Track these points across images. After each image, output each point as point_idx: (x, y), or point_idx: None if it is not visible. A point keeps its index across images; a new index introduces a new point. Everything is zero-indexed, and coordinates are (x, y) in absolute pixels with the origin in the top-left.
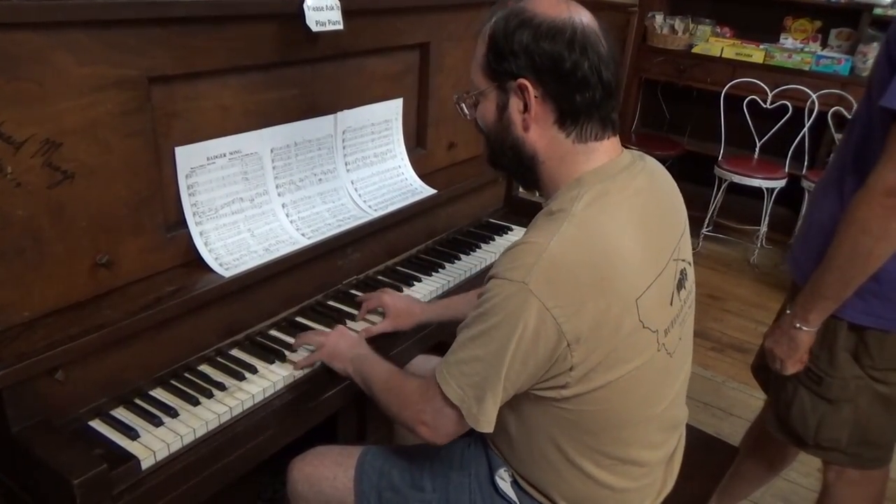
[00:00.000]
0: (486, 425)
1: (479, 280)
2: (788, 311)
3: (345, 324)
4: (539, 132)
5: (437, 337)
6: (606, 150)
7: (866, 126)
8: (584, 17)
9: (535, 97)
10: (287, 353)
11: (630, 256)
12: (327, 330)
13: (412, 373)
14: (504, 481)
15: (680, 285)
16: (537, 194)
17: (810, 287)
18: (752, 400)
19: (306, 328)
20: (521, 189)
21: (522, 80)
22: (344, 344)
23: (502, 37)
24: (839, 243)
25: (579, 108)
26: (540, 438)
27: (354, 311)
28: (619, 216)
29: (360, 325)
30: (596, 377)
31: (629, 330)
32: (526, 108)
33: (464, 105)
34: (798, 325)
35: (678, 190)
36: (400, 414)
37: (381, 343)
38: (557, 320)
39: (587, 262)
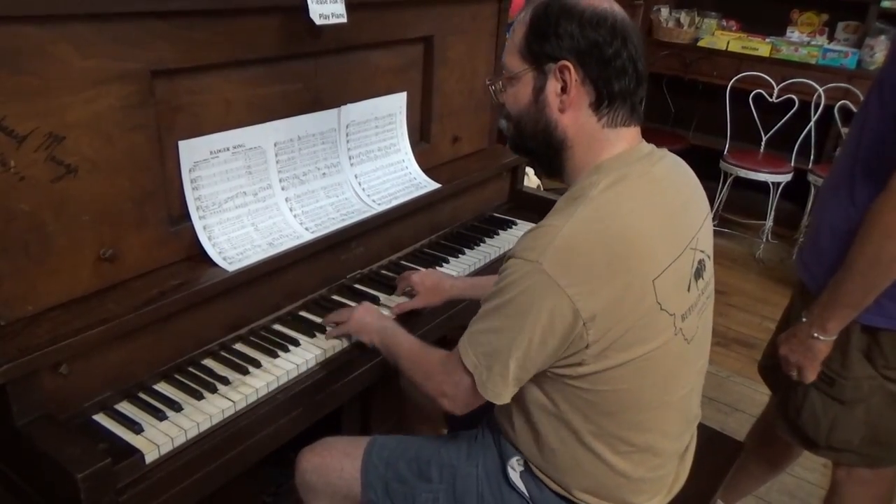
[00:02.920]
0: (494, 395)
1: (484, 274)
2: (805, 320)
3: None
4: (573, 115)
5: (441, 332)
6: (628, 139)
7: (878, 127)
8: (621, 11)
9: (576, 80)
10: (291, 346)
11: (646, 238)
12: (353, 304)
13: (435, 347)
14: (515, 471)
15: (698, 275)
16: (541, 187)
17: (828, 295)
18: (758, 395)
19: (310, 323)
20: (524, 183)
21: (565, 62)
22: (370, 317)
23: (545, 20)
24: (861, 249)
25: (615, 94)
26: (557, 420)
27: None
28: (636, 199)
29: (392, 302)
30: (612, 355)
31: (646, 310)
32: (564, 90)
33: (493, 88)
34: (816, 334)
35: (700, 186)
36: (424, 385)
37: (412, 322)
38: (572, 299)
39: (603, 242)
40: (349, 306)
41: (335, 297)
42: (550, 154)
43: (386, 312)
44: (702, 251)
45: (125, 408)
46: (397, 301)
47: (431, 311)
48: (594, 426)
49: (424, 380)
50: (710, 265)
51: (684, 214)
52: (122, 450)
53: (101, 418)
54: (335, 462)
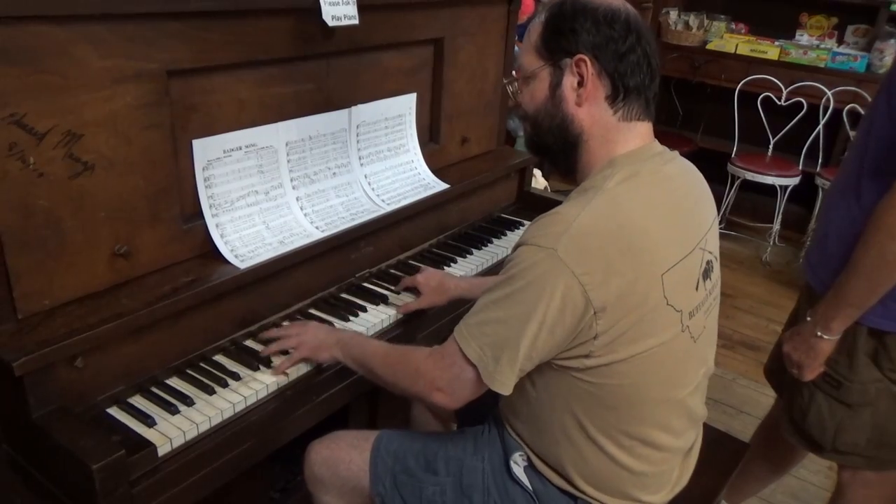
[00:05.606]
0: (501, 385)
1: (491, 274)
2: (809, 319)
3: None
4: (589, 109)
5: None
6: (642, 134)
7: (886, 130)
8: (633, 9)
9: (592, 73)
10: None
11: (657, 233)
12: (293, 328)
13: (408, 345)
14: (518, 466)
15: (706, 275)
16: (548, 189)
17: (833, 295)
18: (763, 397)
19: (319, 321)
20: (532, 184)
21: (581, 56)
22: (323, 333)
23: (560, 18)
24: (865, 250)
25: (630, 87)
26: (562, 413)
27: (367, 304)
28: (648, 195)
29: (398, 301)
30: (620, 348)
31: (654, 304)
32: (581, 84)
33: (511, 89)
34: (819, 333)
35: (708, 189)
36: (412, 386)
37: (416, 323)
38: (585, 287)
39: (615, 234)
40: (289, 327)
41: (344, 296)
42: (567, 149)
43: (392, 311)
44: (710, 252)
45: (138, 401)
46: (404, 300)
47: (437, 312)
48: (598, 419)
49: (412, 380)
50: (717, 267)
51: (694, 214)
52: (136, 442)
53: (114, 411)
54: (344, 454)
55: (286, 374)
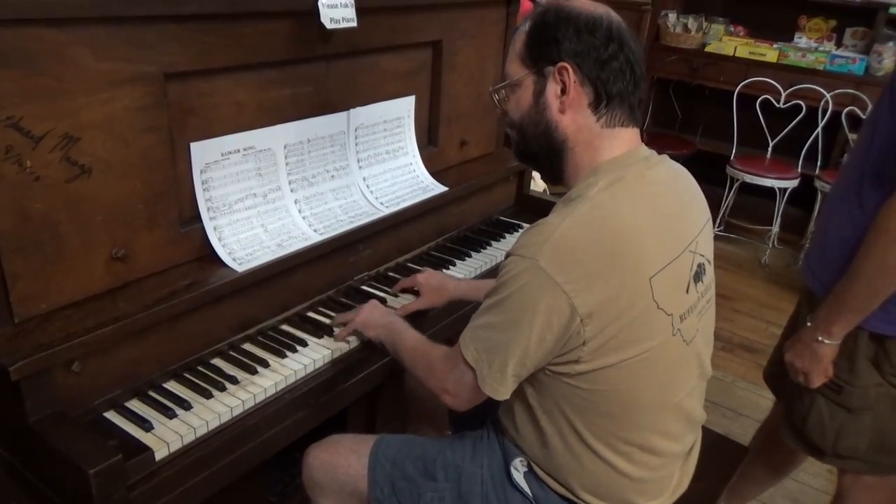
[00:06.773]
0: (492, 390)
1: (490, 276)
2: (809, 324)
3: None
4: (572, 116)
5: (450, 332)
6: (627, 140)
7: (890, 132)
8: (617, 17)
9: (574, 80)
10: (298, 347)
11: (643, 237)
12: (359, 306)
13: (438, 343)
14: (518, 472)
15: (697, 277)
16: (547, 191)
17: (834, 299)
18: (762, 400)
19: (318, 324)
20: (531, 187)
21: (563, 64)
22: (377, 313)
23: (543, 27)
24: (866, 254)
25: (613, 94)
26: (558, 420)
27: None
28: (633, 200)
29: (397, 304)
30: (609, 354)
31: (643, 308)
32: (564, 91)
33: (497, 97)
34: (820, 338)
35: (700, 191)
36: (426, 381)
37: (418, 324)
38: (569, 295)
39: (598, 240)
40: (357, 307)
41: (342, 299)
42: (552, 156)
43: (397, 307)
44: (701, 255)
45: (136, 406)
46: (403, 303)
47: (437, 313)
48: (594, 426)
49: (427, 376)
50: (710, 270)
51: (682, 217)
52: (133, 447)
53: (112, 416)
54: (342, 459)
55: (347, 342)
